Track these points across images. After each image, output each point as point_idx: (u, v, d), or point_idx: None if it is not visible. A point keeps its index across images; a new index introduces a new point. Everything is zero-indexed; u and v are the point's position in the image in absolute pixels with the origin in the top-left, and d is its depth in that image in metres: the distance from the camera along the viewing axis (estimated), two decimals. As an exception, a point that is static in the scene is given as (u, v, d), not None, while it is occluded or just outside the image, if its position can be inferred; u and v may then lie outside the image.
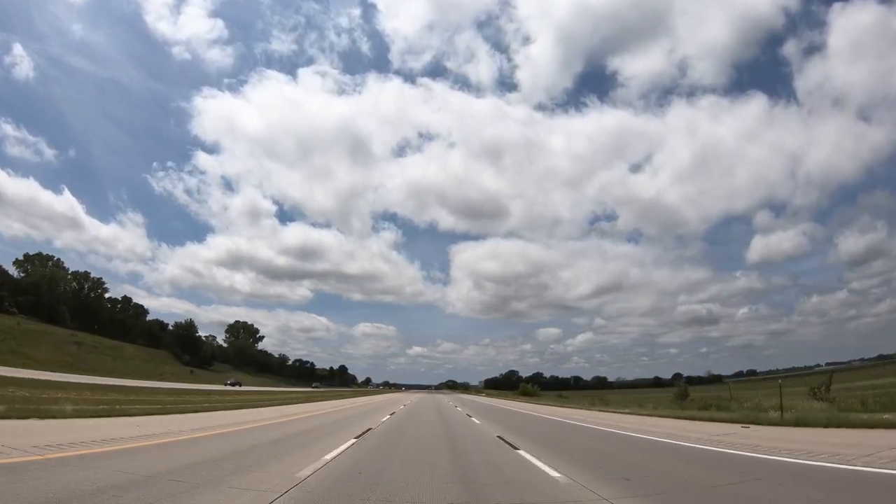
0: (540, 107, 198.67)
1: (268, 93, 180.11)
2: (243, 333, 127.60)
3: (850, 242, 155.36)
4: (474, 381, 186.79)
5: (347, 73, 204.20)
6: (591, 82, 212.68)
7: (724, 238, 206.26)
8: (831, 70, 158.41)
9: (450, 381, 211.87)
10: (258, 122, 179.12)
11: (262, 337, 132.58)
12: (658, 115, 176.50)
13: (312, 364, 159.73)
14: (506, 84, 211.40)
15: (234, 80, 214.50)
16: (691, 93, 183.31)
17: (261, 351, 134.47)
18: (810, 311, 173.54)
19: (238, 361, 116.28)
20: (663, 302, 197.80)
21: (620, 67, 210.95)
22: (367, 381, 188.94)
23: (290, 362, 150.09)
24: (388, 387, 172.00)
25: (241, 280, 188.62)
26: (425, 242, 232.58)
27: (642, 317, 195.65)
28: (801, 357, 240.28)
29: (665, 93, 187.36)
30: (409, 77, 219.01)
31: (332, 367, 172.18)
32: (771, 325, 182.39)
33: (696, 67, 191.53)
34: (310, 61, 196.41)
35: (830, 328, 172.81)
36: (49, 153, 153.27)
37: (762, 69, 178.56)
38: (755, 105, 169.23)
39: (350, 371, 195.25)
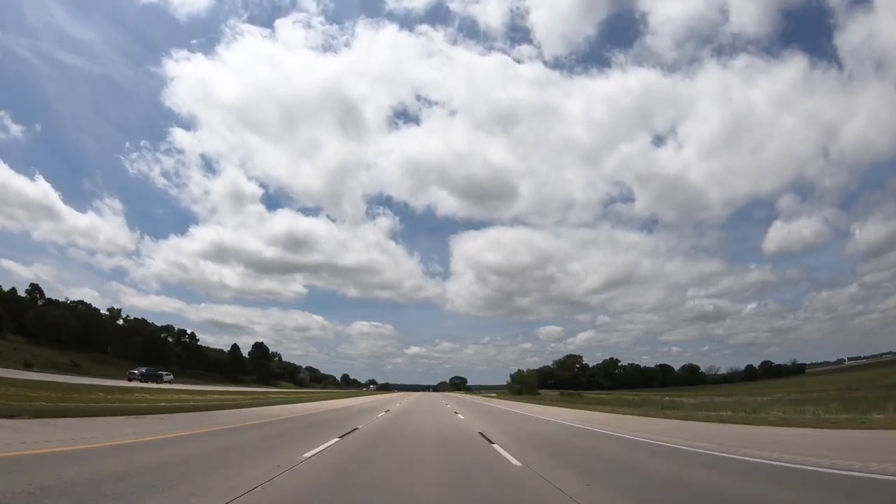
0: (556, 63, 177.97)
1: (244, 52, 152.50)
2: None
3: (871, 231, 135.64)
4: (497, 381, 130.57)
5: (334, 22, 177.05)
6: (616, 30, 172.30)
7: (743, 225, 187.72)
8: (876, 25, 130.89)
9: (456, 378, 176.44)
10: (235, 90, 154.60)
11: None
12: (689, 76, 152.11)
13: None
14: (518, 30, 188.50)
15: (204, 38, 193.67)
16: (730, 46, 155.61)
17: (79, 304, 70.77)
18: (819, 306, 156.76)
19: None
20: (672, 297, 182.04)
21: (652, 9, 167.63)
22: (347, 380, 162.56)
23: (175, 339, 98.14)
24: (379, 388, 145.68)
25: (230, 275, 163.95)
26: (423, 231, 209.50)
27: (649, 313, 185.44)
28: (803, 354, 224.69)
29: (703, 42, 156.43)
30: (406, 23, 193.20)
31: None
32: (777, 322, 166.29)
33: (739, 12, 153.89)
34: (292, 4, 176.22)
35: (836, 324, 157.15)
36: (15, 129, 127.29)
37: (807, 19, 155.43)
38: (794, 66, 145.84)
39: (335, 371, 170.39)
